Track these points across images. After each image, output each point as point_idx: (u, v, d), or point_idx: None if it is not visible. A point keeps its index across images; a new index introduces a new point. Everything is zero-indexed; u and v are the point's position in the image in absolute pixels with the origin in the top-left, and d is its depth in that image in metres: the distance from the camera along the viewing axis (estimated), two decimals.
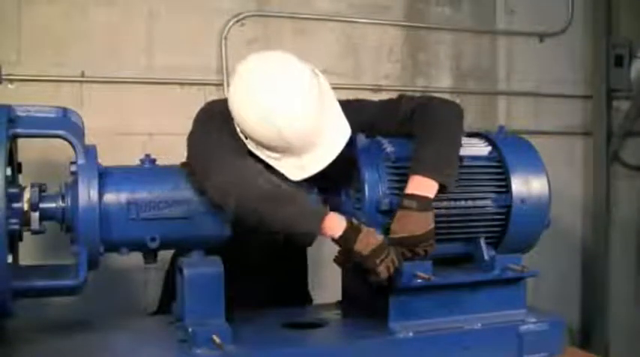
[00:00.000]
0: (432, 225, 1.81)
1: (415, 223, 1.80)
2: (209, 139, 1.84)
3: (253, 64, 1.82)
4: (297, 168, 1.81)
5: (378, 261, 1.73)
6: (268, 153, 1.81)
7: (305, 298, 2.46)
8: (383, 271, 1.74)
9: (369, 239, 1.75)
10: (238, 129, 1.83)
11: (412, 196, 1.81)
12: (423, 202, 1.81)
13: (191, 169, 1.83)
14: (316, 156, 1.81)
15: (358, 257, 1.76)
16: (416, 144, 1.91)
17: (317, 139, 1.80)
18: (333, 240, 1.79)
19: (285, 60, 1.82)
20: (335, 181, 1.99)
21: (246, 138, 1.82)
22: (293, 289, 2.38)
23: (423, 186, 1.82)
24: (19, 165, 1.83)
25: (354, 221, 1.78)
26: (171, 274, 2.30)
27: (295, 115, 1.74)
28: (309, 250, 2.46)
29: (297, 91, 1.75)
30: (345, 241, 1.76)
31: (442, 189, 1.85)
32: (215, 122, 1.87)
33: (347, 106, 1.94)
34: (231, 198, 1.72)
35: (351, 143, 1.89)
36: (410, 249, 1.80)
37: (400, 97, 2.12)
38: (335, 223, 1.76)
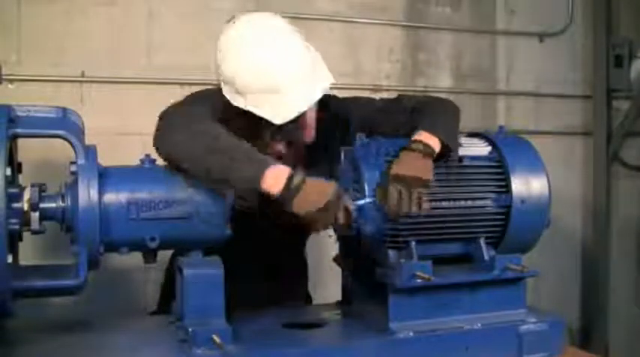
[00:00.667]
0: (432, 177, 1.81)
1: (418, 165, 1.80)
2: (174, 109, 1.89)
3: (243, 17, 1.90)
4: (278, 110, 1.83)
5: (319, 224, 1.73)
6: (250, 97, 1.83)
7: (305, 299, 2.46)
8: (318, 228, 1.74)
9: (307, 200, 1.68)
10: (221, 78, 1.89)
11: (418, 142, 1.84)
12: (428, 149, 1.83)
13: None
14: (298, 97, 1.84)
15: (297, 215, 1.70)
16: (421, 118, 1.94)
17: (301, 79, 1.84)
18: (276, 200, 1.71)
19: (273, 14, 1.94)
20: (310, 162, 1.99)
21: (227, 86, 1.87)
22: (293, 289, 2.38)
23: (428, 138, 1.86)
24: (19, 165, 1.83)
25: (298, 178, 1.70)
26: (171, 273, 2.31)
27: (286, 47, 1.83)
28: (309, 250, 2.46)
29: (289, 30, 1.88)
30: (284, 201, 1.69)
31: (445, 152, 1.88)
32: (180, 108, 1.91)
33: (354, 101, 2.03)
34: (179, 148, 1.76)
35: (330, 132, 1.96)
36: (407, 189, 1.76)
37: (400, 96, 2.14)
38: (277, 180, 1.69)
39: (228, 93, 1.89)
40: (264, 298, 2.14)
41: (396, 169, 1.80)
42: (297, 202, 1.68)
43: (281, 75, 1.82)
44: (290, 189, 1.68)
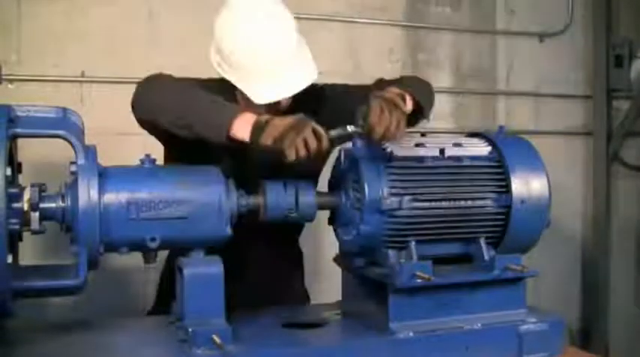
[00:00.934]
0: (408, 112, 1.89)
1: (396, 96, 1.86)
2: (153, 75, 2.03)
3: None
4: (263, 91, 1.94)
5: (284, 147, 1.72)
6: (240, 74, 1.95)
7: (303, 297, 2.46)
8: (290, 154, 1.73)
9: (270, 129, 1.73)
10: (215, 51, 2.03)
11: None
12: (402, 96, 1.89)
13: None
14: (285, 83, 1.95)
15: (270, 149, 1.75)
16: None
17: (289, 65, 1.95)
18: (251, 145, 1.77)
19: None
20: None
21: (221, 61, 2.01)
22: (290, 287, 2.38)
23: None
24: (19, 165, 1.83)
25: (264, 117, 1.76)
26: (166, 274, 2.32)
27: (283, 33, 1.96)
28: (310, 250, 2.46)
29: (286, 16, 1.99)
30: (255, 141, 1.75)
31: (417, 113, 1.95)
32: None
33: (346, 90, 2.20)
34: (155, 101, 1.89)
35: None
36: (388, 107, 1.80)
37: (380, 79, 2.28)
38: (246, 124, 1.76)
39: (220, 67, 2.02)
40: (260, 298, 2.14)
41: (377, 93, 1.85)
42: (264, 135, 1.73)
43: (273, 59, 1.92)
44: (258, 128, 1.74)
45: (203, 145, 1.88)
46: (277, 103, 1.99)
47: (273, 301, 2.18)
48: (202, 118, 1.80)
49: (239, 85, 1.97)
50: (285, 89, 1.95)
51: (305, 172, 1.98)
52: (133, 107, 1.95)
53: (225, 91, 2.00)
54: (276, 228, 1.96)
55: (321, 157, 2.07)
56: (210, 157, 1.93)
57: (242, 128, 1.76)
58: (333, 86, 2.32)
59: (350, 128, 1.83)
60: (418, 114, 1.98)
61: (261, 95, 1.94)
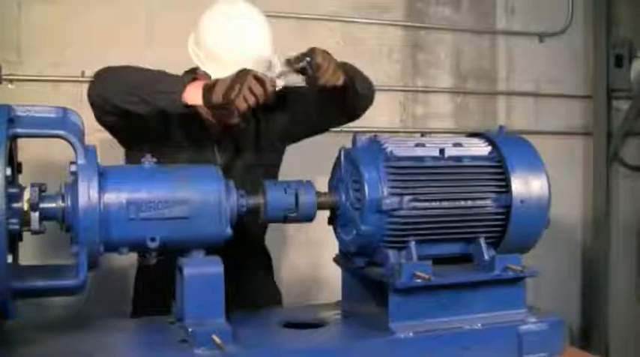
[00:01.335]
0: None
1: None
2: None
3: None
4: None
5: (233, 97, 1.86)
6: (217, 67, 2.10)
7: (274, 294, 2.46)
8: (241, 104, 1.87)
9: (217, 87, 1.89)
10: (195, 43, 2.23)
11: None
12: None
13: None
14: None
15: (220, 108, 1.93)
16: None
17: (261, 68, 2.09)
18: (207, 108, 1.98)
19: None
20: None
21: (199, 53, 2.20)
22: (258, 287, 2.39)
23: None
24: (19, 165, 1.83)
25: (211, 81, 1.95)
26: (140, 277, 2.38)
27: (259, 35, 2.17)
28: (310, 250, 2.47)
29: (262, 18, 2.22)
30: (207, 102, 1.91)
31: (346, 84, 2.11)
32: None
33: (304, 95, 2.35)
34: (110, 85, 2.06)
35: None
36: (329, 55, 2.03)
37: None
38: (196, 90, 1.94)
39: (197, 56, 2.20)
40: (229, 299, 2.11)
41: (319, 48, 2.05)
42: (214, 95, 1.89)
43: (250, 55, 2.11)
44: (206, 90, 1.91)
45: (163, 136, 2.09)
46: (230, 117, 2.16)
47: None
48: (155, 89, 1.95)
49: (213, 75, 2.10)
50: None
51: (262, 160, 2.26)
52: (91, 103, 2.09)
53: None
54: (242, 240, 1.94)
55: (276, 135, 2.36)
56: (170, 146, 2.13)
57: (193, 95, 1.92)
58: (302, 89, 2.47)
59: (295, 65, 1.98)
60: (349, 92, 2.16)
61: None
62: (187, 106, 1.95)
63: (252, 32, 2.16)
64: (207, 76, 2.12)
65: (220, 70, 2.06)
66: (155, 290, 2.16)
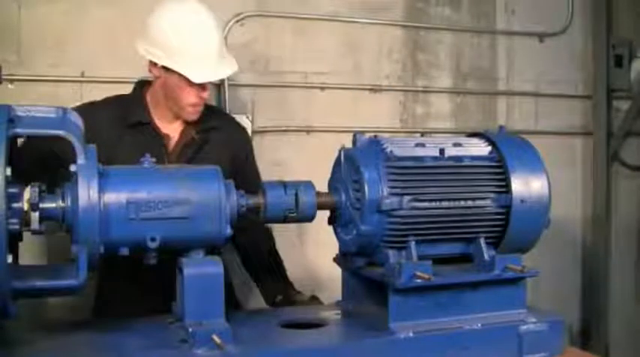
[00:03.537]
0: None
1: None
2: None
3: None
4: (198, 73, 2.28)
5: None
6: (174, 59, 2.27)
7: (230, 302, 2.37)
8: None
9: None
10: (146, 41, 2.36)
11: None
12: None
13: None
14: (216, 69, 2.34)
15: None
16: None
17: (219, 53, 2.33)
18: None
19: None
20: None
21: (154, 49, 2.32)
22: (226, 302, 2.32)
23: None
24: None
25: None
26: (103, 280, 2.40)
27: (209, 27, 2.33)
28: (310, 250, 2.46)
29: (212, 15, 2.36)
30: None
31: None
32: None
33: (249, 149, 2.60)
34: None
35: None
36: None
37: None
38: None
39: (153, 55, 2.32)
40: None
41: None
42: None
43: (205, 47, 2.30)
44: None
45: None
46: (204, 88, 2.33)
47: None
48: None
49: (175, 67, 2.27)
50: (215, 73, 2.34)
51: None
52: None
53: (135, 100, 2.44)
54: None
55: None
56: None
57: None
58: (244, 131, 2.71)
59: None
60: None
61: (197, 76, 2.26)
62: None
63: (212, 26, 2.34)
64: (164, 74, 2.31)
65: (189, 63, 2.25)
66: (122, 282, 2.28)
